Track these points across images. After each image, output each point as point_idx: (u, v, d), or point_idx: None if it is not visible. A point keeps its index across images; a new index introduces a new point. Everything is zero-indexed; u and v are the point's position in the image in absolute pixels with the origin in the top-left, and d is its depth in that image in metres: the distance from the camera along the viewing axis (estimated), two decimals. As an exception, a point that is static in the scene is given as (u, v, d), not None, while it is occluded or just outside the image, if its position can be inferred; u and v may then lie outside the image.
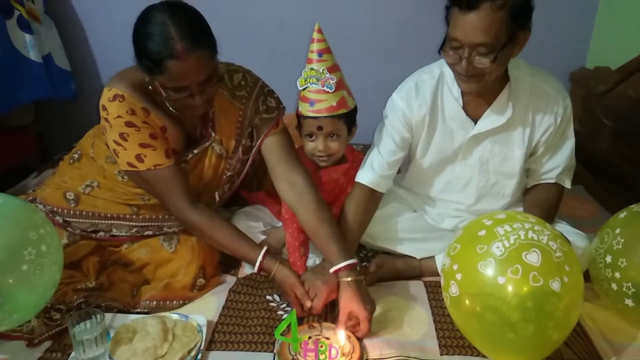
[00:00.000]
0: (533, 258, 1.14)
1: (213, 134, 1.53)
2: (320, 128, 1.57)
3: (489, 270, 1.15)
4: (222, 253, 1.64)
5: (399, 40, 2.57)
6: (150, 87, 1.38)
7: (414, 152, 1.62)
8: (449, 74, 1.50)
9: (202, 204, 1.50)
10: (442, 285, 1.30)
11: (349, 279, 1.37)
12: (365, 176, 1.58)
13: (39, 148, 2.67)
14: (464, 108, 1.51)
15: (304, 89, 1.56)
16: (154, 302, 1.49)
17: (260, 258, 1.45)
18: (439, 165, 1.61)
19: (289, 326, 1.22)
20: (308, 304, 1.41)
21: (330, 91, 1.52)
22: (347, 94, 1.59)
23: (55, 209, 1.55)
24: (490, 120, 1.50)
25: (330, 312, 1.46)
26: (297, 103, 1.61)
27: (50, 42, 2.47)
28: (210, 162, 1.55)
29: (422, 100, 1.53)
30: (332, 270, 1.40)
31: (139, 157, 1.42)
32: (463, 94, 1.50)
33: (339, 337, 1.30)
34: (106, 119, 1.42)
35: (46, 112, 2.69)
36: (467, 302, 1.19)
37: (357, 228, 1.56)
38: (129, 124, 1.40)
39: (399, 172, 1.69)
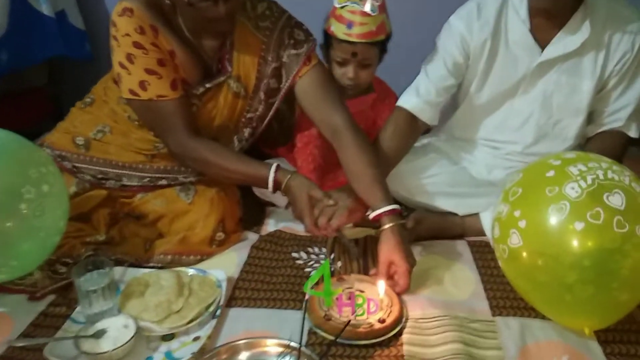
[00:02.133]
0: (616, 200, 0.94)
1: (230, 69, 1.35)
2: (354, 55, 1.40)
3: (562, 215, 0.96)
4: (245, 207, 1.49)
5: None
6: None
7: (468, 86, 1.43)
8: None
9: (203, 137, 1.34)
10: (495, 237, 1.11)
11: (392, 224, 1.19)
12: (408, 100, 1.40)
13: (53, 110, 2.52)
14: (531, 31, 1.32)
15: (342, 7, 1.38)
16: (169, 257, 1.32)
17: (273, 170, 1.26)
18: (495, 100, 1.42)
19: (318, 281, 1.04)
20: (330, 201, 1.22)
21: (373, 14, 1.35)
22: (386, 17, 1.41)
23: (63, 153, 1.40)
24: (561, 44, 1.31)
25: (362, 268, 1.29)
26: (328, 20, 1.43)
27: (64, -1, 2.32)
28: (226, 100, 1.38)
29: (484, 22, 1.35)
30: (372, 215, 1.23)
31: (142, 85, 1.26)
32: (531, 15, 1.31)
33: (379, 289, 1.11)
34: (115, 37, 1.26)
35: (61, 74, 2.53)
36: (532, 253, 0.99)
37: (393, 155, 1.38)
38: (137, 45, 1.25)
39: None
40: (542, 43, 1.34)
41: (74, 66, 2.45)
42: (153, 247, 1.34)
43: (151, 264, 1.31)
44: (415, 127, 1.42)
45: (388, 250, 1.19)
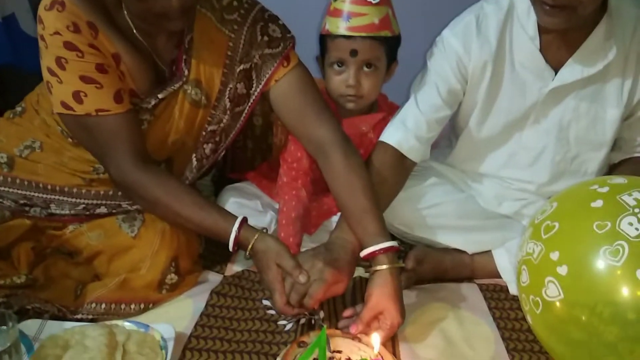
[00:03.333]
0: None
1: (186, 72, 1.09)
2: (354, 53, 1.14)
3: (619, 260, 0.71)
4: (207, 241, 1.21)
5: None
6: None
7: (468, 116, 1.18)
8: (521, 5, 1.08)
9: (155, 165, 1.08)
10: (524, 285, 0.85)
11: (386, 266, 0.95)
12: (393, 134, 1.13)
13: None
14: (541, 51, 1.08)
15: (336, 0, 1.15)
16: (103, 305, 1.03)
17: (236, 226, 1.00)
18: (502, 132, 1.17)
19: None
20: (302, 278, 0.96)
21: (374, 2, 1.12)
22: (392, 14, 1.17)
23: (-23, 173, 1.11)
24: (579, 66, 1.07)
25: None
26: (323, 21, 1.20)
27: (14, 2, 2.05)
28: (182, 111, 1.11)
29: (484, 40, 1.11)
30: (365, 253, 0.99)
31: (76, 96, 1.00)
32: (541, 32, 1.07)
33: (373, 343, 0.85)
34: (42, 37, 1.00)
35: (12, 84, 2.26)
36: (577, 308, 0.73)
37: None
38: (69, 46, 0.98)
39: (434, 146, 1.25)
40: (556, 64, 1.09)
41: (22, 77, 2.18)
42: (85, 292, 1.05)
43: (79, 316, 1.01)
44: (402, 168, 1.16)
45: (380, 297, 0.95)
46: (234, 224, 1.01)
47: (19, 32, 2.08)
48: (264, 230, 1.03)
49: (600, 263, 0.74)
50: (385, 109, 1.26)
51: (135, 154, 1.04)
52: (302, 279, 0.96)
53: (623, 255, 0.73)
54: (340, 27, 1.14)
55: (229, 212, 1.05)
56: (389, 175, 1.13)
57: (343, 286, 1.01)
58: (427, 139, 1.16)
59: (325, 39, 1.19)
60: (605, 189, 0.80)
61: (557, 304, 0.78)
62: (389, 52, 1.19)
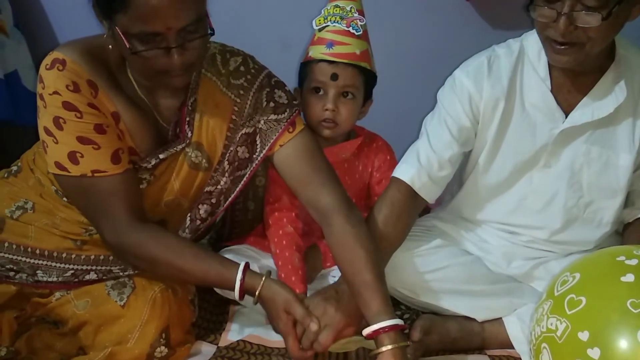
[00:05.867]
0: None
1: (189, 134, 1.05)
2: (334, 76, 1.14)
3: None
4: (200, 309, 1.14)
5: (419, 63, 2.13)
6: (110, 45, 0.96)
7: (476, 158, 1.14)
8: (532, 49, 1.08)
9: (150, 223, 1.03)
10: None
11: (392, 346, 0.88)
12: (407, 171, 1.10)
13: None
14: (552, 92, 1.06)
15: (320, 29, 1.17)
16: (87, 383, 0.94)
17: (240, 274, 0.96)
18: (511, 175, 1.12)
19: None
20: (313, 326, 0.94)
21: (357, 34, 1.15)
22: (370, 52, 1.19)
23: (-36, 236, 1.05)
24: (590, 109, 1.05)
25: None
26: (305, 51, 1.21)
27: (17, 59, 2.05)
28: (179, 173, 1.07)
29: (495, 80, 1.08)
30: (368, 331, 0.91)
31: (72, 157, 0.96)
32: (552, 74, 1.05)
33: None
34: (41, 96, 0.97)
35: (12, 141, 2.23)
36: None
37: (391, 242, 1.08)
38: (67, 106, 0.95)
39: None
40: (567, 107, 1.07)
41: (21, 134, 2.15)
42: (68, 367, 0.97)
43: (61, 395, 0.93)
44: (414, 206, 1.12)
45: None
46: (237, 273, 0.96)
47: (21, 88, 2.06)
48: (269, 273, 1.00)
49: (639, 347, 0.66)
50: (362, 135, 1.26)
51: (130, 213, 0.99)
52: (313, 327, 0.94)
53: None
54: (323, 52, 1.15)
55: (231, 261, 1.01)
56: (403, 212, 1.09)
57: (352, 330, 1.00)
58: (440, 178, 1.11)
59: (306, 67, 1.19)
60: (634, 262, 0.72)
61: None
62: (366, 86, 1.20)
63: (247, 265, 0.99)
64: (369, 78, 1.20)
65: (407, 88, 1.90)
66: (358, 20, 1.15)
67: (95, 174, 0.97)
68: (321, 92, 1.16)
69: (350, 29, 1.14)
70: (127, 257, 1.03)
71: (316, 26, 1.17)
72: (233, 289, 0.97)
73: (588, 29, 0.91)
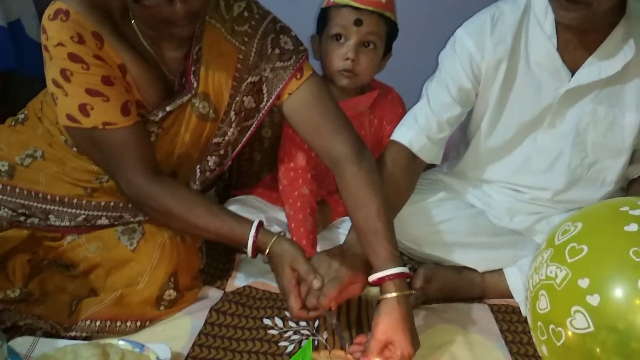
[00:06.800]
0: None
1: (195, 84, 1.04)
2: (359, 22, 1.10)
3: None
4: (208, 256, 1.16)
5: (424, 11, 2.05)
6: None
7: (480, 119, 1.12)
8: (538, 5, 1.03)
9: (166, 176, 1.03)
10: (542, 311, 0.78)
11: (397, 293, 0.88)
12: (405, 133, 1.09)
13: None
14: (558, 50, 1.03)
15: None
16: (98, 323, 0.97)
17: (253, 232, 0.96)
18: (516, 135, 1.11)
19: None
20: (316, 283, 0.92)
21: None
22: (395, 4, 1.15)
23: (-25, 180, 1.05)
24: (597, 67, 1.02)
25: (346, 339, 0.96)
26: None
27: (20, 7, 2.02)
28: (189, 125, 1.06)
29: (499, 39, 1.05)
30: (373, 278, 0.92)
31: (83, 109, 0.95)
32: (559, 31, 1.02)
33: None
34: (45, 47, 0.95)
35: (16, 90, 2.22)
36: (611, 346, 0.67)
37: (392, 203, 1.06)
38: (73, 58, 0.93)
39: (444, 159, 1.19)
40: (573, 65, 1.04)
41: (26, 83, 2.14)
42: (79, 308, 0.99)
43: (73, 334, 0.96)
44: (413, 168, 1.11)
45: (388, 326, 0.88)
46: (250, 230, 0.97)
47: (24, 37, 2.03)
48: (282, 234, 1.00)
49: (638, 295, 0.66)
50: (377, 88, 1.23)
51: (145, 166, 0.99)
52: (316, 284, 0.92)
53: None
54: None
55: (245, 218, 1.01)
56: (402, 175, 1.09)
57: (359, 287, 0.99)
58: (439, 139, 1.10)
59: (327, 12, 1.14)
60: (638, 212, 0.73)
61: (585, 337, 0.71)
62: (388, 37, 1.16)
63: (260, 223, 0.99)
64: (391, 29, 1.16)
65: (419, 44, 1.87)
66: None
67: (107, 126, 0.96)
68: (342, 40, 1.12)
69: None
70: (143, 207, 1.04)
71: None
72: (246, 246, 0.97)
73: None
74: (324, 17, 1.15)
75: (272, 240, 0.96)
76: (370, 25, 1.11)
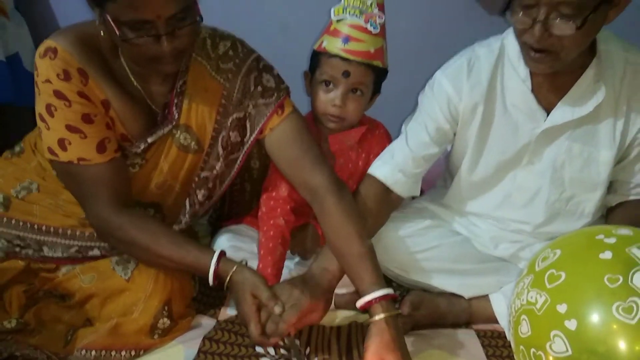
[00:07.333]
0: None
1: (176, 115, 1.07)
2: (346, 74, 1.13)
3: (634, 317, 0.69)
4: (200, 285, 1.18)
5: (412, 47, 2.13)
6: (102, 32, 0.97)
7: (461, 157, 1.16)
8: (512, 49, 1.07)
9: (133, 209, 1.06)
10: (523, 335, 0.81)
11: (385, 314, 0.92)
12: (379, 167, 1.13)
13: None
14: (533, 92, 1.07)
15: (338, 21, 1.13)
16: (93, 353, 0.99)
17: (214, 260, 0.99)
18: (496, 173, 1.15)
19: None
20: (277, 309, 0.94)
21: (374, 32, 1.12)
22: (385, 48, 1.17)
23: (-29, 212, 1.08)
24: (569, 108, 1.05)
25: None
26: (319, 39, 1.18)
27: (18, 41, 2.06)
28: (168, 154, 1.09)
29: (475, 82, 1.09)
30: (361, 303, 0.95)
31: (61, 143, 1.00)
32: (532, 74, 1.06)
33: None
34: (36, 83, 1.00)
35: (14, 122, 2.25)
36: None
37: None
38: (58, 94, 0.98)
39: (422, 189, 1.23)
40: (547, 105, 1.07)
41: (22, 116, 2.17)
42: (75, 338, 1.01)
43: (69, 363, 0.97)
44: (387, 202, 1.14)
45: (380, 348, 0.91)
46: (212, 259, 0.99)
47: (22, 70, 2.07)
48: (244, 263, 1.01)
49: (613, 320, 0.70)
50: (366, 123, 1.25)
51: (114, 200, 1.03)
52: (277, 309, 0.94)
53: (637, 313, 0.69)
54: (338, 47, 1.13)
55: (208, 248, 1.04)
56: (373, 207, 1.12)
57: (319, 315, 1.00)
58: (414, 174, 1.14)
59: (319, 56, 1.17)
60: (612, 240, 0.76)
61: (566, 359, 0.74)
62: (376, 82, 1.19)
63: (222, 253, 1.01)
64: (379, 74, 1.19)
65: (410, 74, 1.92)
66: (377, 17, 1.12)
67: (81, 162, 1.00)
68: (330, 86, 1.15)
69: (368, 25, 1.12)
70: (108, 239, 1.07)
71: (334, 16, 1.14)
72: (207, 275, 0.99)
73: (563, 38, 0.91)
74: (315, 59, 1.18)
75: (234, 269, 0.98)
76: (358, 76, 1.14)
